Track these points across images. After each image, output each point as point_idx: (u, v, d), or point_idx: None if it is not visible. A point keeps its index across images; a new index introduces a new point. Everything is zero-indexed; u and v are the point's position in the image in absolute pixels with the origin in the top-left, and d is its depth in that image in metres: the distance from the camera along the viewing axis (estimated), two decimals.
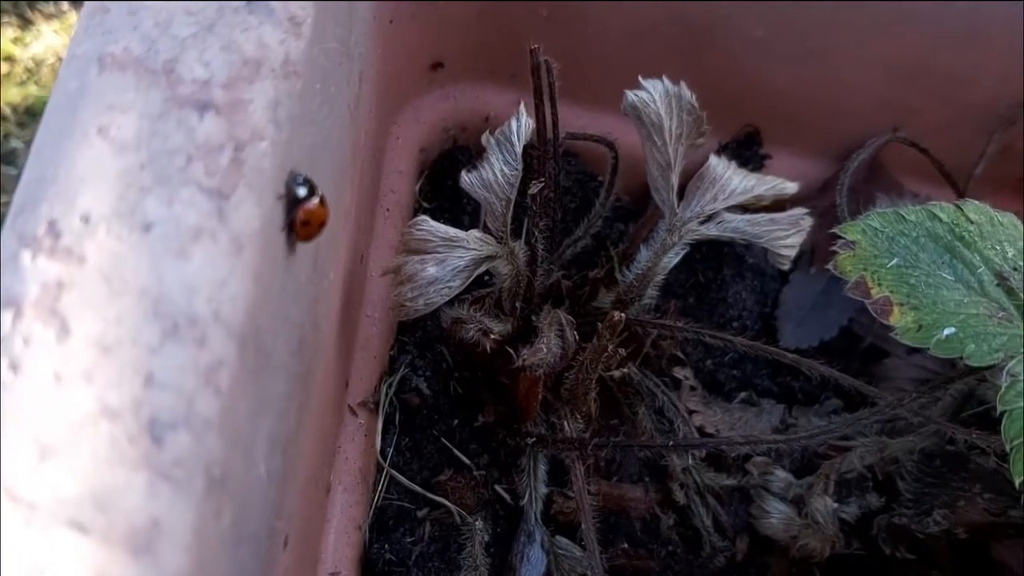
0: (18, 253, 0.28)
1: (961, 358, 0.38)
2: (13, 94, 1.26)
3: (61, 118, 0.30)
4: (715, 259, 0.62)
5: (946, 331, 0.38)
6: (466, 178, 0.47)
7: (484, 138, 0.48)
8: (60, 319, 0.26)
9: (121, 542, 0.25)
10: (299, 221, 0.34)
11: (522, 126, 0.47)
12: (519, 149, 0.47)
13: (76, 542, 0.24)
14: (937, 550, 0.50)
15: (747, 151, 0.64)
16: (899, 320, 0.39)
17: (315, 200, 0.34)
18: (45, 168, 0.29)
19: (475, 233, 0.47)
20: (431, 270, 0.46)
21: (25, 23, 1.30)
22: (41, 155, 0.30)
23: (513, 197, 0.47)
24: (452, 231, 0.47)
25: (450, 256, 0.46)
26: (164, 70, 0.31)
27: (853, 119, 0.63)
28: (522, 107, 0.48)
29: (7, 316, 0.27)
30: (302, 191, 0.33)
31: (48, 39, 1.29)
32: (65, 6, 1.32)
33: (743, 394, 0.58)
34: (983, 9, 0.56)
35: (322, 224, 0.35)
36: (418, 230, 0.46)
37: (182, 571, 0.25)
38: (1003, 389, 0.36)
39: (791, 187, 0.53)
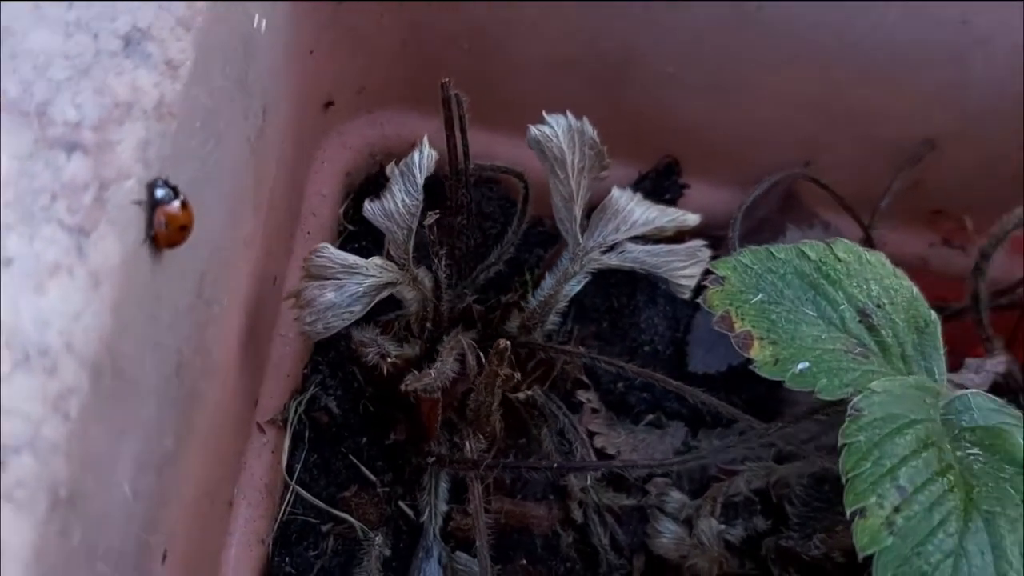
0: None
1: (813, 391, 0.40)
2: None
3: None
4: (629, 285, 0.64)
5: (800, 365, 0.40)
6: (369, 207, 0.49)
7: (388, 169, 0.50)
8: None
9: None
10: (158, 224, 0.34)
11: (424, 158, 0.49)
12: (420, 180, 0.49)
13: None
14: (824, 572, 0.51)
15: (666, 180, 0.66)
16: (758, 354, 0.41)
17: (176, 203, 0.34)
18: None
19: (376, 260, 0.49)
20: (329, 295, 0.48)
21: None
22: None
23: (414, 226, 0.49)
24: (352, 258, 0.49)
25: (349, 282, 0.48)
26: (37, 112, 0.32)
27: (768, 151, 0.65)
28: (425, 140, 0.50)
29: None
30: (161, 192, 0.34)
31: None
32: None
33: (650, 416, 0.60)
34: (888, 49, 0.58)
35: (184, 228, 0.35)
36: (318, 256, 0.48)
37: None
38: (846, 423, 0.37)
39: (692, 219, 0.55)
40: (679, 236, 0.55)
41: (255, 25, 0.44)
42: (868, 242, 0.61)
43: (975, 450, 0.37)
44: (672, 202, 0.66)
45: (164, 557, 0.39)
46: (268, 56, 0.47)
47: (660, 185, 0.66)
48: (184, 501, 0.41)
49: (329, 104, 0.61)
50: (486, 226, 0.64)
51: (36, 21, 0.34)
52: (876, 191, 0.65)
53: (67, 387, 0.29)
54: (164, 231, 0.35)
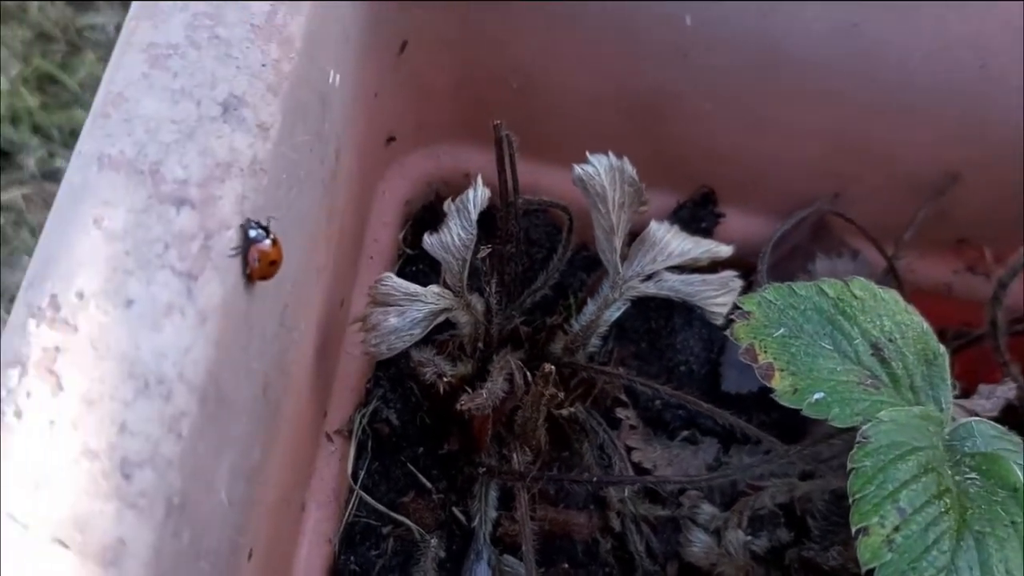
0: (26, 321, 0.35)
1: (828, 419, 0.44)
2: (59, 117, 1.35)
3: (66, 208, 0.37)
4: (667, 309, 0.68)
5: (816, 395, 0.44)
6: (427, 240, 0.54)
7: (445, 205, 0.55)
8: (56, 377, 0.34)
9: (94, 557, 0.32)
10: (252, 260, 0.39)
11: (478, 196, 0.54)
12: (475, 216, 0.54)
13: (59, 555, 0.31)
14: None
15: (702, 210, 0.71)
16: (779, 384, 0.45)
17: (267, 241, 0.39)
18: (51, 250, 0.36)
19: (433, 288, 0.54)
20: (392, 320, 0.53)
21: (72, 49, 1.40)
22: (49, 238, 0.37)
23: (468, 258, 0.54)
24: (412, 287, 0.54)
25: (410, 309, 0.53)
26: (150, 171, 0.38)
27: (799, 182, 0.69)
28: (479, 178, 0.55)
29: (14, 373, 0.34)
30: (253, 232, 0.39)
31: (93, 66, 1.38)
32: (112, 34, 1.41)
33: (685, 433, 0.64)
34: (911, 89, 0.61)
35: (274, 263, 0.40)
36: (382, 285, 0.53)
37: None
38: (855, 449, 0.42)
39: (725, 251, 0.59)
40: (713, 265, 0.60)
41: (330, 81, 0.49)
42: (892, 272, 0.64)
43: (973, 475, 0.42)
44: (708, 230, 0.71)
45: (250, 556, 0.44)
46: (340, 105, 0.52)
47: (696, 214, 0.70)
48: (267, 505, 0.47)
49: (391, 140, 0.66)
50: (532, 252, 0.69)
51: (147, 89, 0.40)
52: (903, 220, 0.69)
53: (180, 411, 0.35)
54: (257, 266, 0.40)
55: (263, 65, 0.41)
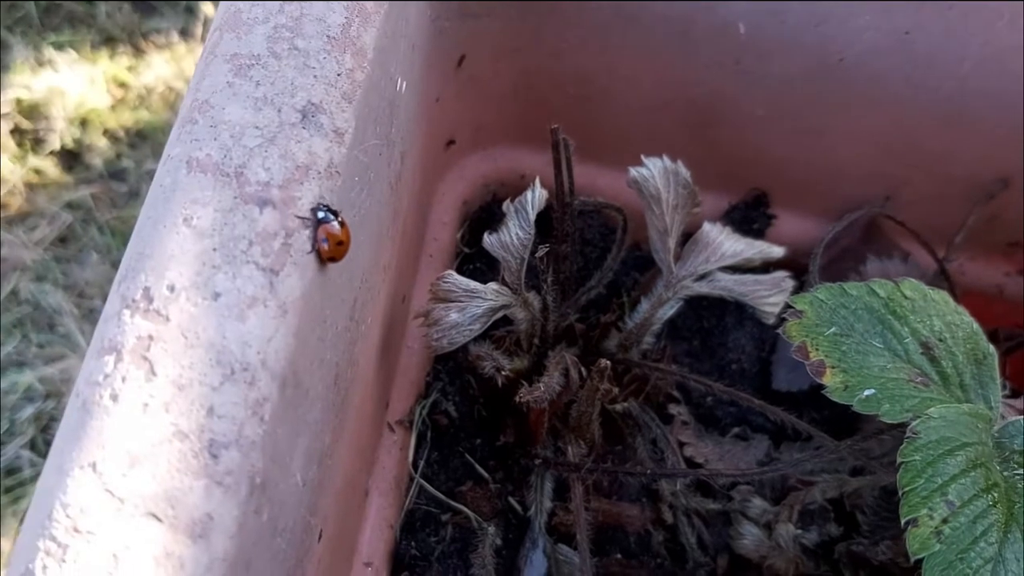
0: (120, 311, 0.38)
1: (878, 415, 0.45)
2: (126, 118, 1.40)
3: (157, 206, 0.40)
4: (719, 307, 0.69)
5: (867, 392, 0.45)
6: (487, 239, 0.56)
7: (505, 205, 0.57)
8: (149, 363, 0.36)
9: (184, 530, 0.34)
10: (320, 240, 0.41)
11: (536, 197, 0.56)
12: (532, 216, 0.56)
13: (152, 528, 0.34)
14: (890, 575, 0.57)
15: (754, 211, 0.72)
16: (830, 381, 0.46)
17: (335, 223, 0.41)
18: (144, 246, 0.39)
19: (492, 285, 0.56)
20: (453, 316, 0.55)
21: (138, 53, 1.44)
22: (141, 235, 0.40)
23: (526, 257, 0.56)
24: (472, 284, 0.56)
25: (470, 305, 0.55)
26: (235, 173, 0.40)
27: (851, 185, 0.70)
28: (536, 181, 0.57)
29: (110, 359, 0.36)
30: (322, 214, 0.41)
31: (158, 69, 1.43)
32: (175, 38, 1.45)
33: (736, 429, 0.66)
34: (962, 97, 0.62)
35: (341, 244, 0.42)
36: (444, 282, 0.55)
37: (228, 553, 0.35)
38: (904, 443, 0.43)
39: (777, 252, 0.61)
40: (765, 266, 0.61)
41: (398, 87, 0.51)
42: (943, 274, 0.65)
43: (1021, 471, 0.43)
44: (761, 231, 0.72)
45: (320, 536, 0.47)
46: (405, 110, 0.55)
47: (749, 215, 0.72)
48: (335, 489, 0.49)
49: (451, 143, 0.69)
50: (587, 251, 0.70)
51: (231, 97, 0.42)
52: (954, 223, 0.70)
53: (262, 396, 0.37)
54: (325, 247, 0.41)
55: (338, 74, 0.43)
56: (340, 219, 0.42)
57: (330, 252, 0.42)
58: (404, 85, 0.52)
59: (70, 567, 0.33)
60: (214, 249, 0.39)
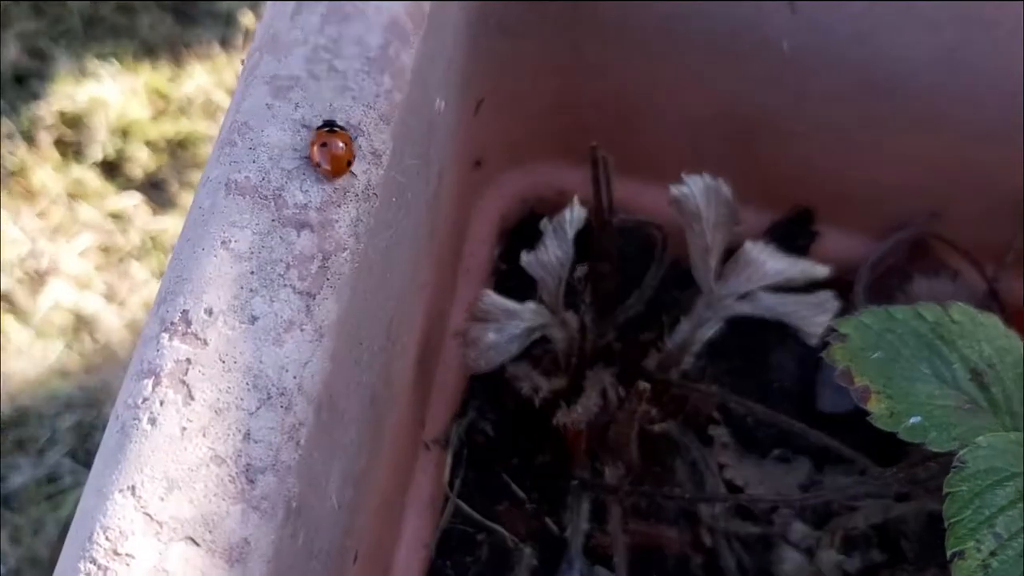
0: (159, 334, 0.38)
1: (924, 443, 0.44)
2: (167, 128, 1.41)
3: (196, 229, 0.40)
4: (761, 326, 0.68)
5: (913, 419, 0.44)
6: (526, 259, 0.56)
7: (542, 224, 0.56)
8: (187, 387, 0.36)
9: (222, 554, 0.34)
10: (319, 141, 0.40)
11: (574, 216, 0.56)
12: (571, 236, 0.55)
13: (190, 553, 0.34)
14: None
15: (798, 228, 0.71)
16: (875, 407, 0.45)
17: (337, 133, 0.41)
18: (182, 269, 0.39)
19: (530, 305, 0.56)
20: (491, 336, 0.55)
21: (178, 63, 1.46)
22: (180, 257, 0.40)
23: (564, 276, 0.56)
24: (511, 304, 0.55)
25: (508, 325, 0.55)
26: (273, 196, 0.40)
27: (897, 202, 0.69)
28: (575, 199, 0.56)
29: (149, 383, 0.36)
30: (317, 123, 0.41)
31: (199, 79, 1.44)
32: (216, 48, 1.46)
33: (777, 451, 0.65)
34: (1010, 112, 0.61)
35: (344, 143, 0.41)
36: (482, 302, 0.55)
37: None
38: (951, 473, 0.42)
39: (821, 271, 0.59)
40: (809, 284, 0.60)
41: (436, 107, 0.51)
42: (992, 294, 0.64)
43: None
44: (804, 248, 0.71)
45: (355, 558, 0.47)
46: (443, 128, 0.54)
47: (792, 232, 0.71)
48: (370, 510, 0.49)
49: (478, 163, 0.69)
50: (626, 267, 0.70)
51: (269, 119, 0.42)
52: (1004, 241, 0.68)
53: (299, 420, 0.37)
54: (329, 168, 0.41)
55: (376, 96, 0.43)
56: (342, 129, 0.42)
57: (328, 158, 0.41)
58: (442, 105, 0.52)
59: None
60: (252, 272, 0.39)
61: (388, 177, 0.43)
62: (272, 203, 0.40)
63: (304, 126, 0.42)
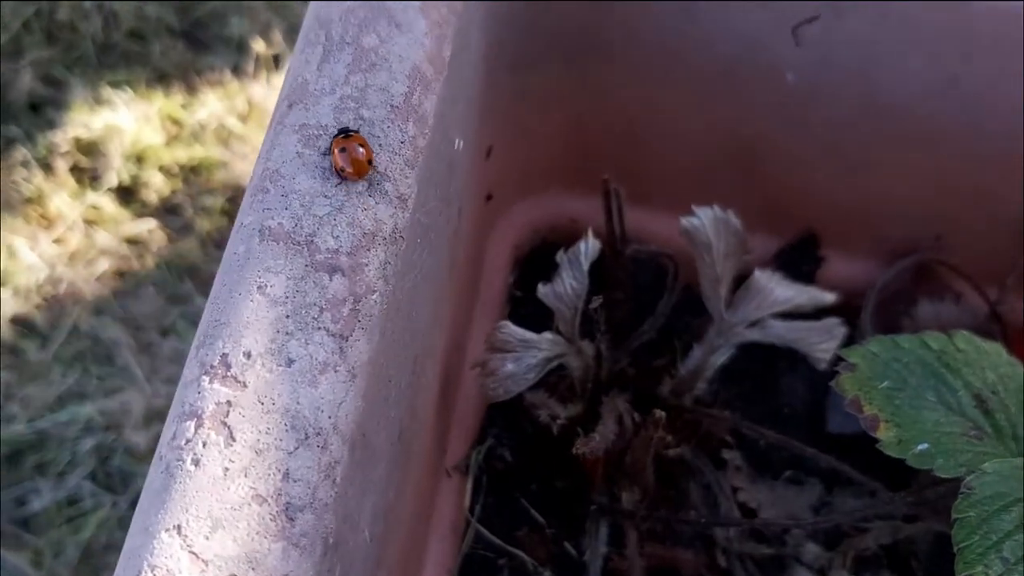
0: (200, 377, 0.39)
1: (932, 470, 0.46)
2: (180, 154, 1.43)
3: (232, 274, 0.42)
4: (771, 349, 0.70)
5: (921, 446, 0.46)
6: (542, 290, 0.58)
7: (558, 256, 0.58)
8: (228, 429, 0.38)
9: None
10: (338, 147, 0.43)
11: (589, 248, 0.57)
12: (586, 267, 0.57)
13: None
14: None
15: (804, 253, 0.73)
16: (883, 434, 0.47)
17: (352, 137, 0.43)
18: (220, 313, 0.41)
19: (547, 335, 0.58)
20: (509, 366, 0.57)
21: (191, 90, 1.48)
22: (217, 302, 0.42)
23: (580, 306, 0.58)
24: (528, 334, 0.57)
25: (525, 355, 0.57)
26: (306, 242, 0.42)
27: (901, 226, 0.70)
28: (589, 232, 0.58)
29: (191, 424, 0.38)
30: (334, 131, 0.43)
31: (211, 105, 1.46)
32: (227, 75, 1.49)
33: (789, 472, 0.66)
34: (1014, 136, 0.63)
35: (361, 145, 0.43)
36: (500, 333, 0.57)
37: None
38: (959, 499, 0.43)
39: (828, 298, 0.61)
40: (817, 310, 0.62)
41: (455, 147, 0.53)
42: (995, 317, 0.65)
43: None
44: (811, 273, 0.72)
45: None
46: (461, 165, 0.56)
47: (798, 256, 0.72)
48: (398, 539, 0.50)
49: (500, 193, 0.70)
50: (639, 294, 0.71)
51: (300, 167, 0.44)
52: (1007, 263, 0.70)
53: (334, 459, 0.39)
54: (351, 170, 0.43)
55: (402, 142, 0.45)
56: (355, 133, 0.44)
57: (349, 161, 0.43)
58: (461, 144, 0.54)
59: None
60: (287, 316, 0.40)
61: (413, 220, 0.45)
62: (305, 248, 0.42)
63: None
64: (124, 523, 1.17)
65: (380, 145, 0.45)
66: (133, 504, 1.18)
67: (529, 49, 0.63)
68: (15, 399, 1.23)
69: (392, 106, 0.46)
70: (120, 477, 1.20)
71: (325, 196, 0.43)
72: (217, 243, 1.33)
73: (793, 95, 0.64)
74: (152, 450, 1.23)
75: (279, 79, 1.45)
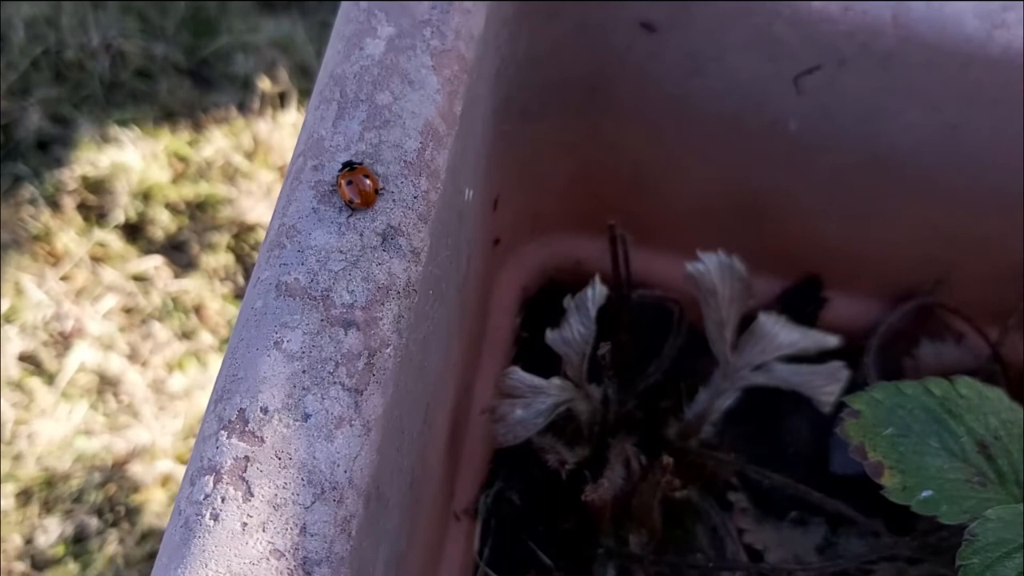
0: (217, 432, 0.40)
1: (936, 516, 0.46)
2: (187, 191, 1.44)
3: (249, 329, 0.43)
4: (775, 391, 0.71)
5: (925, 493, 0.47)
6: (550, 336, 0.59)
7: (565, 301, 0.59)
8: (246, 484, 0.39)
9: None
10: (344, 180, 0.44)
11: (596, 294, 0.58)
12: (593, 313, 0.58)
13: None
14: None
15: (808, 295, 0.74)
16: (888, 481, 0.48)
17: (367, 182, 0.44)
18: (238, 368, 0.42)
19: (556, 381, 0.59)
20: (519, 412, 0.57)
21: (197, 127, 1.50)
22: (235, 357, 0.42)
23: (587, 351, 0.58)
24: (536, 380, 0.58)
25: (534, 401, 0.58)
26: (322, 297, 0.43)
27: (904, 269, 0.71)
28: (596, 278, 0.59)
29: (209, 479, 0.39)
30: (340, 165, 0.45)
31: (217, 143, 1.48)
32: (233, 112, 1.50)
33: (794, 513, 0.67)
34: (1014, 185, 0.64)
35: (366, 176, 0.45)
36: (509, 379, 0.58)
37: None
38: (963, 546, 0.44)
39: (832, 341, 0.62)
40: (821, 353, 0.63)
41: (466, 198, 0.54)
42: (996, 358, 0.66)
43: None
44: (814, 314, 0.73)
45: None
46: (471, 216, 0.57)
47: (801, 298, 0.73)
48: None
49: (508, 237, 0.72)
50: (645, 336, 0.72)
51: (316, 222, 0.45)
52: (1007, 304, 0.71)
53: (350, 513, 0.40)
54: (357, 201, 0.45)
55: (415, 197, 0.46)
56: (361, 165, 0.45)
57: (357, 192, 0.45)
58: (471, 194, 0.55)
59: None
60: (303, 371, 0.41)
61: (426, 272, 0.46)
62: (321, 304, 0.43)
63: (349, 229, 0.45)
64: (131, 560, 1.17)
65: (394, 200, 0.46)
66: (140, 540, 1.19)
67: (538, 103, 0.64)
68: (22, 436, 1.23)
69: (405, 161, 0.47)
70: (127, 513, 1.20)
71: (340, 251, 0.44)
72: (223, 279, 1.35)
73: (796, 144, 0.65)
74: (159, 486, 1.23)
75: (284, 116, 1.46)
